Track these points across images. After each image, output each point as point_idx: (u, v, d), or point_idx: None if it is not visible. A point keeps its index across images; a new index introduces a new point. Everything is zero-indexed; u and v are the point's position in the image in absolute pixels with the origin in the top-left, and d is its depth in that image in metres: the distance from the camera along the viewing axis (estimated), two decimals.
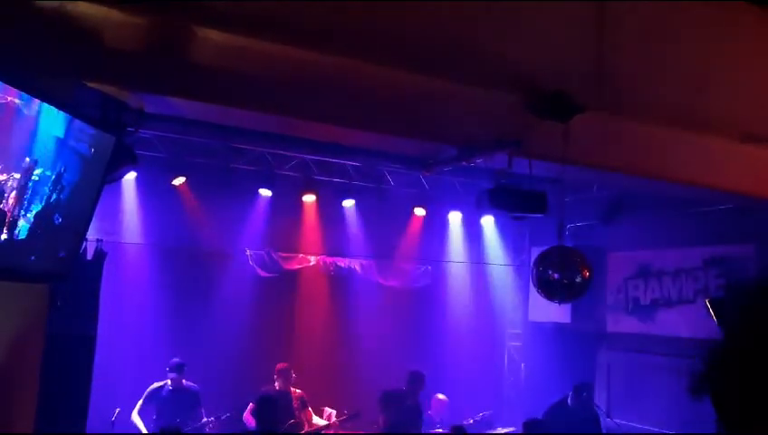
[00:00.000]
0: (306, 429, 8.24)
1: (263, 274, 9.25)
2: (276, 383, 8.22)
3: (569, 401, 7.91)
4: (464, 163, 5.85)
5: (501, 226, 10.32)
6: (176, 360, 7.82)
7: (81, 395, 5.75)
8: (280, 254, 9.37)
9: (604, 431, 8.30)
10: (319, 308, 9.79)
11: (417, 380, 8.29)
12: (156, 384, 7.82)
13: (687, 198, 7.80)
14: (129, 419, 7.61)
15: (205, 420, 7.82)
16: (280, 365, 8.31)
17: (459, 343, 10.29)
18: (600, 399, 9.00)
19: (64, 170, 4.17)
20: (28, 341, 4.12)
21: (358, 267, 9.91)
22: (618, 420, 8.64)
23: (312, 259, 9.63)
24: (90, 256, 6.08)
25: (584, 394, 7.96)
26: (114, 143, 4.75)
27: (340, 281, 9.87)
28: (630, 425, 8.66)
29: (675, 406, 7.96)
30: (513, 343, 10.82)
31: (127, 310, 8.27)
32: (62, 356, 5.21)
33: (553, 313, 9.87)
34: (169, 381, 7.78)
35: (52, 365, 4.88)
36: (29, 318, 4.20)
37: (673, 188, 6.82)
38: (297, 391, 8.34)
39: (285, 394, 8.12)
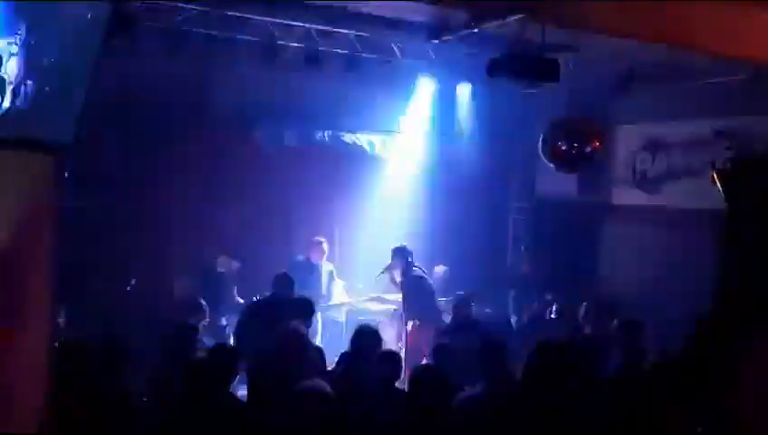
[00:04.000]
0: (331, 301, 8.61)
1: (270, 149, 9.21)
2: (308, 255, 8.62)
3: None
4: (475, 30, 5.67)
5: (510, 98, 10.10)
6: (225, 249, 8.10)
7: (98, 264, 5.87)
8: (286, 130, 9.29)
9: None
10: (327, 185, 9.79)
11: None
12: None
13: (700, 69, 7.61)
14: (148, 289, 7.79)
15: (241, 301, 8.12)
16: (312, 238, 8.69)
17: (465, 216, 10.33)
18: (603, 270, 9.19)
19: (59, 37, 4.04)
20: (39, 211, 4.14)
21: (365, 143, 9.85)
22: (621, 290, 8.83)
23: (319, 134, 9.56)
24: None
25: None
26: (111, 11, 4.59)
27: (346, 156, 9.83)
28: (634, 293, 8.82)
29: (678, 275, 8.12)
30: (519, 217, 10.87)
31: (141, 182, 8.27)
32: (76, 228, 5.28)
33: (560, 186, 9.88)
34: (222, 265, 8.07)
35: (66, 236, 4.93)
36: (38, 189, 4.19)
37: (686, 57, 6.64)
38: (329, 264, 8.70)
39: (315, 266, 8.54)
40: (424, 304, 8.03)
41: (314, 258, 8.65)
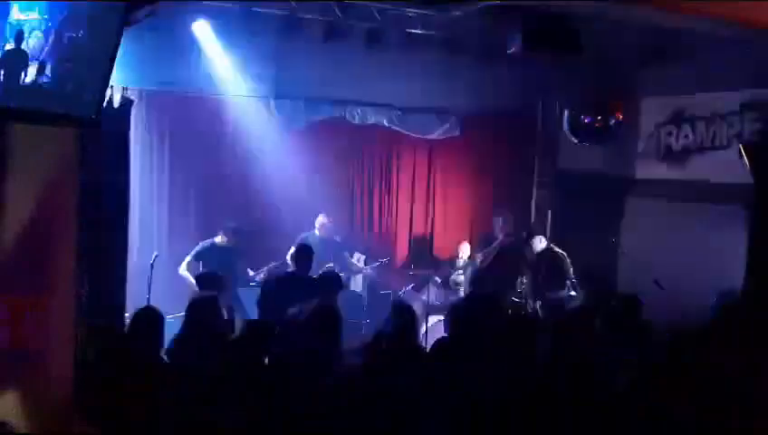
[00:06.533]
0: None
1: (287, 125, 9.19)
2: (317, 230, 8.70)
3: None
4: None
5: (525, 70, 9.92)
6: (232, 224, 8.05)
7: (118, 240, 5.94)
8: (305, 103, 9.26)
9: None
10: (346, 160, 9.78)
11: None
12: (205, 243, 8.03)
13: (728, 38, 7.44)
14: (172, 270, 7.85)
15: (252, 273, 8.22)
16: (320, 215, 8.79)
17: (486, 190, 10.27)
18: (627, 243, 9.12)
19: (82, 12, 4.05)
20: (61, 184, 4.18)
21: (384, 119, 9.80)
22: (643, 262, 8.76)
23: (337, 110, 9.51)
24: (116, 104, 6.06)
25: None
26: None
27: (365, 132, 9.78)
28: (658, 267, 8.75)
29: (703, 249, 8.03)
30: (542, 191, 10.78)
31: (155, 160, 8.33)
32: (95, 202, 5.33)
33: (583, 160, 9.78)
34: (224, 240, 8.00)
35: (86, 211, 4.98)
36: (60, 163, 4.23)
37: (713, 26, 6.49)
38: (336, 238, 8.85)
39: (325, 241, 8.62)
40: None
41: (325, 233, 8.69)
